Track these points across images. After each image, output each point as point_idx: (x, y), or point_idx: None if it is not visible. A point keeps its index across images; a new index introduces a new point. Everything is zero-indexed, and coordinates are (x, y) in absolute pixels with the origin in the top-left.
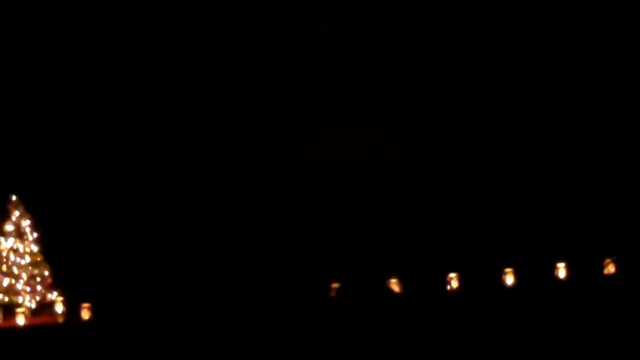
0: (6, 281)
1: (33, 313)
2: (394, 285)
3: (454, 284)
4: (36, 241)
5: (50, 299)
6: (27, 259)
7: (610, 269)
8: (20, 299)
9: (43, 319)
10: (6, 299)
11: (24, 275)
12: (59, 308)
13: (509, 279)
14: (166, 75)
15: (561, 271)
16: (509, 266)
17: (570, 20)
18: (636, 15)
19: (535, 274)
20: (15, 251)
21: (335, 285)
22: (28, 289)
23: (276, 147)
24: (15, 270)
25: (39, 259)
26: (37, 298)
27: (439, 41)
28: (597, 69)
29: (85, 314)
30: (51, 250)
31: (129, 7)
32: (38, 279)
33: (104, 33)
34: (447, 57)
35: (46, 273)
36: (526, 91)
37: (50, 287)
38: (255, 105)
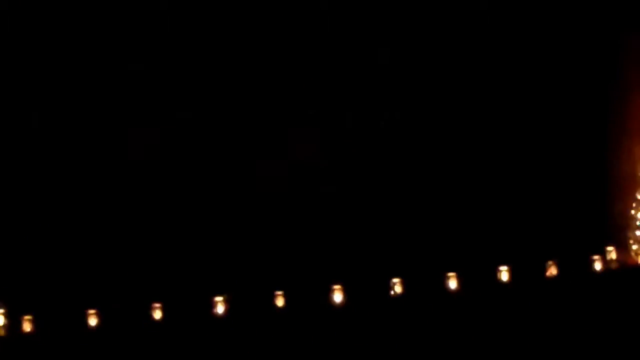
0: None
1: None
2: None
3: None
4: None
5: None
6: None
7: (553, 271)
8: None
9: None
10: None
11: None
12: (0, 320)
13: (452, 283)
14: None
15: (504, 274)
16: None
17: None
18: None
19: (478, 278)
20: None
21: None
22: None
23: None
24: None
25: None
26: None
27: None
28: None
29: (27, 326)
30: None
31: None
32: None
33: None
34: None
35: None
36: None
37: None
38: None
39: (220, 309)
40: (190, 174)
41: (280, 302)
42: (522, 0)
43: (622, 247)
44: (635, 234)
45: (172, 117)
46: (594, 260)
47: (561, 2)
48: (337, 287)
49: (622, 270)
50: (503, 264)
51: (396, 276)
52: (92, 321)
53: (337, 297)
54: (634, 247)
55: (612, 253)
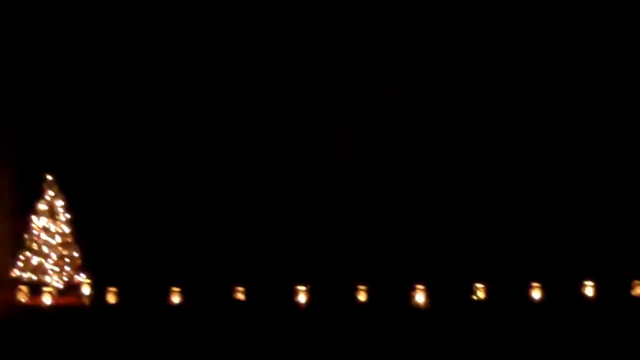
0: (35, 260)
1: (60, 293)
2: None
3: (480, 294)
4: (68, 222)
5: (78, 280)
6: (58, 238)
7: (639, 290)
8: (48, 279)
9: (69, 300)
10: (34, 277)
11: (54, 255)
12: (86, 290)
13: (536, 294)
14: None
15: (588, 290)
16: (536, 281)
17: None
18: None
19: (563, 290)
20: (47, 230)
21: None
22: (56, 269)
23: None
24: (45, 249)
25: (69, 239)
26: (65, 279)
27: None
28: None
29: (112, 298)
30: (82, 232)
31: None
32: (67, 260)
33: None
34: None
35: (75, 254)
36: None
37: (78, 269)
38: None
39: (302, 298)
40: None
41: (362, 297)
42: None
43: None
44: None
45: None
46: None
47: None
48: (420, 287)
49: None
50: (589, 279)
51: (480, 281)
52: (175, 299)
53: (420, 297)
54: None
55: None
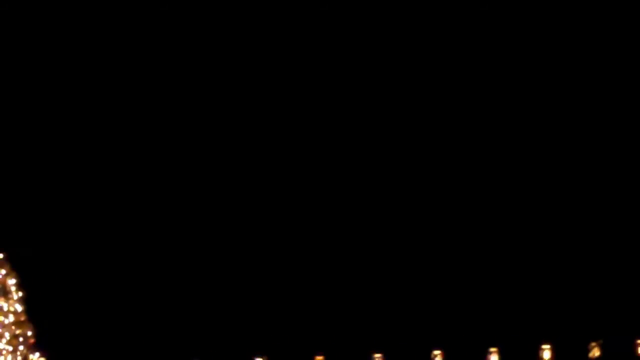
0: None
1: None
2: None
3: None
4: (21, 300)
5: (32, 359)
6: (11, 317)
7: (596, 352)
8: (1, 359)
9: None
10: None
11: (7, 335)
12: None
13: (494, 359)
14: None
15: (546, 353)
16: (493, 345)
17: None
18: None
19: (521, 355)
20: None
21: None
22: (10, 348)
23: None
24: None
25: (22, 318)
26: (19, 358)
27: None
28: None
29: None
30: (35, 310)
31: None
32: (21, 339)
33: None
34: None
35: (29, 333)
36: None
37: (32, 348)
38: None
39: None
40: None
41: None
42: None
43: None
44: None
45: None
46: (639, 345)
47: None
48: (378, 356)
49: None
50: (546, 342)
51: (438, 348)
52: None
53: None
54: None
55: None
